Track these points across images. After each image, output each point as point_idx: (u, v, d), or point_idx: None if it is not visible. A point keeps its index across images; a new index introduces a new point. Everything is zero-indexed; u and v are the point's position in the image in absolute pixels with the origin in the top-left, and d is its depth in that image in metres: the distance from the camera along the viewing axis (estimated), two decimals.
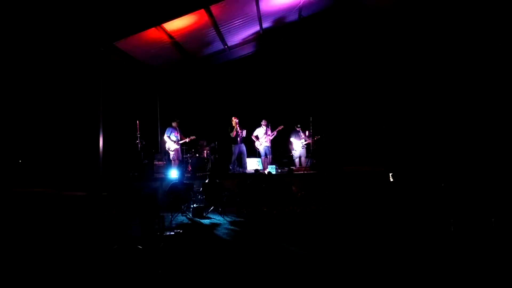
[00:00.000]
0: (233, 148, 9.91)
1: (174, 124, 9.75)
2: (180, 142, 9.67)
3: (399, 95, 11.46)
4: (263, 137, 10.04)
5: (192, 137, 9.73)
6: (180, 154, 9.77)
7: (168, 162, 9.96)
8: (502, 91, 10.20)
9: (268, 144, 10.07)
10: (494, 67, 10.45)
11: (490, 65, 10.49)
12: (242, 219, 7.08)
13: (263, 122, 10.13)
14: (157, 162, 9.96)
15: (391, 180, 7.90)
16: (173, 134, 9.61)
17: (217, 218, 7.15)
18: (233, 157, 9.94)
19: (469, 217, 5.73)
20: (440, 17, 9.97)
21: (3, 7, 7.35)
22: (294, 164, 10.35)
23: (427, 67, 11.21)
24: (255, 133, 10.17)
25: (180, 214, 7.27)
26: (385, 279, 4.02)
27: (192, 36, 9.19)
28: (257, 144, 10.11)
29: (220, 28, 9.37)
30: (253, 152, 10.47)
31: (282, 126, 10.00)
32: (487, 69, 10.54)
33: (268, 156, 10.09)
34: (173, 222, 6.85)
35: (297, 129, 10.32)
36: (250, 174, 9.20)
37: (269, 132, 10.03)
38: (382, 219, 6.55)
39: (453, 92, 10.89)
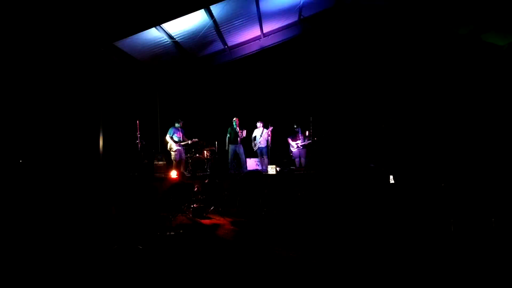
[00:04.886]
0: (229, 149, 9.94)
1: (177, 124, 9.75)
2: (183, 143, 9.67)
3: (399, 95, 11.46)
4: (259, 138, 10.08)
5: (195, 140, 9.75)
6: (184, 155, 9.78)
7: (169, 162, 9.97)
8: (502, 91, 10.21)
9: (263, 145, 10.11)
10: (494, 67, 10.46)
11: (490, 65, 10.50)
12: (242, 219, 7.08)
13: (259, 123, 10.17)
14: (157, 162, 9.96)
15: (392, 181, 7.90)
16: (176, 134, 9.62)
17: (217, 218, 7.15)
18: (230, 158, 9.97)
19: (469, 217, 5.73)
20: (440, 16, 9.97)
21: (3, 7, 7.35)
22: (294, 164, 10.38)
23: (427, 67, 11.22)
24: (253, 135, 10.27)
25: (180, 214, 7.28)
26: (386, 280, 4.02)
27: (192, 36, 9.20)
28: (252, 145, 10.18)
29: (220, 28, 9.37)
30: (254, 153, 10.49)
31: (272, 127, 9.98)
32: (487, 69, 10.55)
33: (264, 157, 10.13)
34: (173, 222, 6.85)
35: (296, 129, 10.34)
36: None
37: (264, 133, 10.07)
38: (382, 219, 6.55)
39: (453, 92, 10.90)
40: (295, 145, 10.32)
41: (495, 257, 4.60)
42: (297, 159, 10.45)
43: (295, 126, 10.33)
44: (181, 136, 9.66)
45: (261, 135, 10.09)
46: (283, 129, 10.39)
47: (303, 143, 10.20)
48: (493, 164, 8.70)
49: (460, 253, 4.79)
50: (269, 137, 10.03)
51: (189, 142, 9.72)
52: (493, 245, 5.00)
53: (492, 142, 9.80)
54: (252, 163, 10.47)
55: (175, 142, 9.55)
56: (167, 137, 9.63)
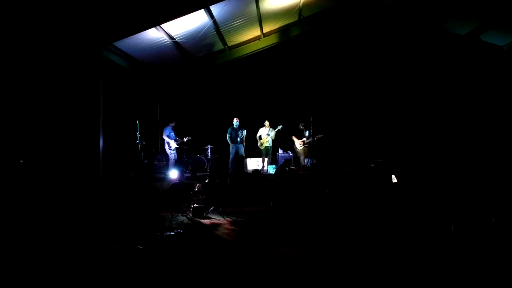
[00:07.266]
0: (230, 148, 9.98)
1: (171, 124, 9.96)
2: (177, 142, 9.80)
3: (399, 95, 11.46)
4: (265, 137, 10.12)
5: (188, 138, 9.88)
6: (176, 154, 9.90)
7: (168, 162, 10.04)
8: (502, 91, 10.21)
9: (269, 144, 10.15)
10: (495, 67, 10.45)
11: (490, 65, 10.50)
12: (242, 219, 7.08)
13: (266, 123, 10.24)
14: (157, 162, 10.00)
15: (394, 180, 7.89)
16: (171, 133, 9.79)
17: (217, 218, 7.15)
18: (231, 157, 10.00)
19: (469, 217, 5.73)
20: (440, 17, 9.98)
21: (3, 7, 7.35)
22: (296, 164, 10.41)
23: (427, 66, 11.22)
24: (258, 133, 10.31)
25: (180, 214, 7.28)
26: (387, 280, 4.02)
27: (192, 36, 9.19)
28: (259, 144, 10.22)
29: (220, 28, 9.37)
30: (254, 152, 10.50)
31: (281, 126, 10.08)
32: (487, 69, 10.55)
33: (269, 156, 10.19)
34: (173, 222, 6.85)
35: (301, 127, 10.38)
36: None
37: (270, 133, 10.12)
38: (382, 219, 6.55)
39: (453, 92, 10.90)
40: (300, 143, 10.36)
41: (495, 257, 4.60)
42: (300, 157, 10.53)
43: (302, 124, 10.35)
44: (175, 136, 9.81)
45: (267, 134, 10.16)
46: (283, 129, 10.38)
47: (308, 141, 10.23)
48: (493, 165, 8.70)
49: (460, 252, 4.79)
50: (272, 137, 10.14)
51: (184, 140, 9.87)
52: (493, 245, 5.00)
53: (492, 143, 9.80)
54: (252, 163, 10.49)
55: (172, 141, 9.71)
56: (165, 136, 9.76)
